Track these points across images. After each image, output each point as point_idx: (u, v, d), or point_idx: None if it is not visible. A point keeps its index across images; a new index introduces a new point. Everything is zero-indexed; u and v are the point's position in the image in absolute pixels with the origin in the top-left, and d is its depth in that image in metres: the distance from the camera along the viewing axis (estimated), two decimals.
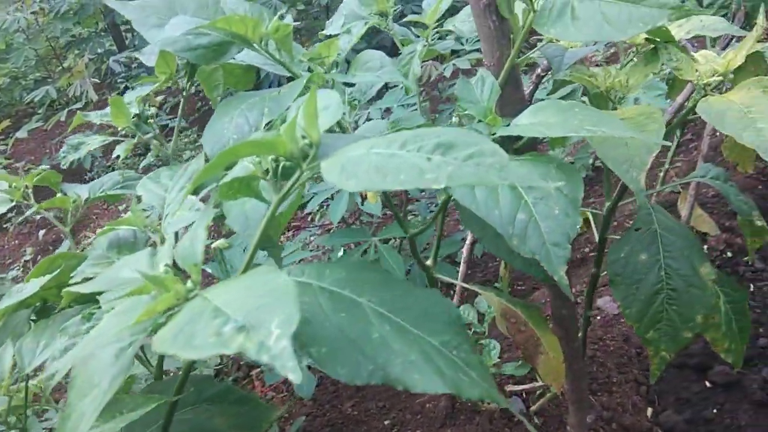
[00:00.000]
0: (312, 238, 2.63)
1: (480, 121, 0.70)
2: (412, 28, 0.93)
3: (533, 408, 1.45)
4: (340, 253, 2.12)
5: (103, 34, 4.24)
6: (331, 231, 2.47)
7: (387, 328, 0.39)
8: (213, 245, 0.44)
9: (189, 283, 0.38)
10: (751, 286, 1.74)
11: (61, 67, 4.52)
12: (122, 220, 0.58)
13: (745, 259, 1.79)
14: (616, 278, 0.81)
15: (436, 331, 0.40)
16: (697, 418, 1.47)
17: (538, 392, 1.45)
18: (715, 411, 1.48)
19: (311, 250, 2.63)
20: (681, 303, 0.80)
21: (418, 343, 0.39)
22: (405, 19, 0.90)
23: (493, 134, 0.63)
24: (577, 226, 0.55)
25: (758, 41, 0.76)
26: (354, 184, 0.35)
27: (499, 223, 0.56)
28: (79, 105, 3.77)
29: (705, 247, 1.72)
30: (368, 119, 2.60)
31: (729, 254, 1.78)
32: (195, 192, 0.54)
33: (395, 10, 0.89)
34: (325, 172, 0.37)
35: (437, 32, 0.91)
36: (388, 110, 2.48)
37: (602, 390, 1.45)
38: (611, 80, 0.75)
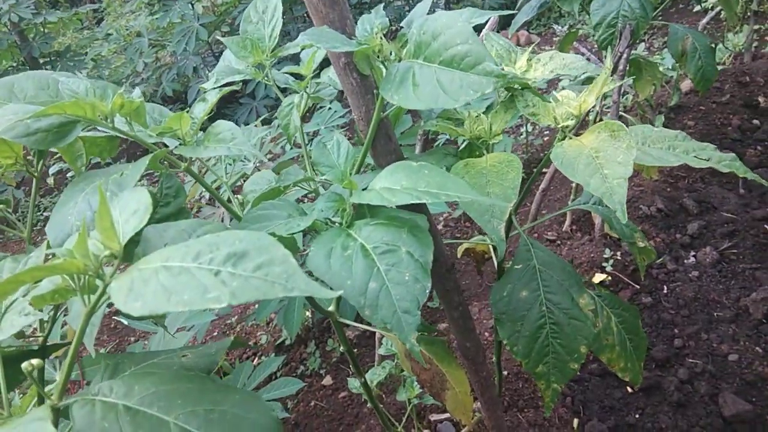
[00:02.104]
0: None
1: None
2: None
3: None
4: None
5: (21, 68, 4.08)
6: None
7: None
8: (23, 365, 0.42)
9: None
10: (665, 287, 1.82)
11: None
12: None
13: (664, 261, 1.87)
14: (501, 317, 0.82)
15: None
16: (621, 425, 1.51)
17: None
18: (637, 416, 1.53)
19: None
20: (564, 336, 0.82)
21: None
22: (282, 71, 0.90)
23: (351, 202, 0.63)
24: (427, 291, 0.56)
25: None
26: (140, 306, 0.35)
27: (351, 294, 0.56)
28: None
29: (618, 252, 1.78)
30: (294, 146, 2.60)
31: None
32: None
33: (272, 62, 0.89)
34: (113, 293, 0.36)
35: (317, 82, 0.91)
36: (316, 132, 2.48)
37: (528, 406, 1.48)
38: (477, 128, 0.77)
